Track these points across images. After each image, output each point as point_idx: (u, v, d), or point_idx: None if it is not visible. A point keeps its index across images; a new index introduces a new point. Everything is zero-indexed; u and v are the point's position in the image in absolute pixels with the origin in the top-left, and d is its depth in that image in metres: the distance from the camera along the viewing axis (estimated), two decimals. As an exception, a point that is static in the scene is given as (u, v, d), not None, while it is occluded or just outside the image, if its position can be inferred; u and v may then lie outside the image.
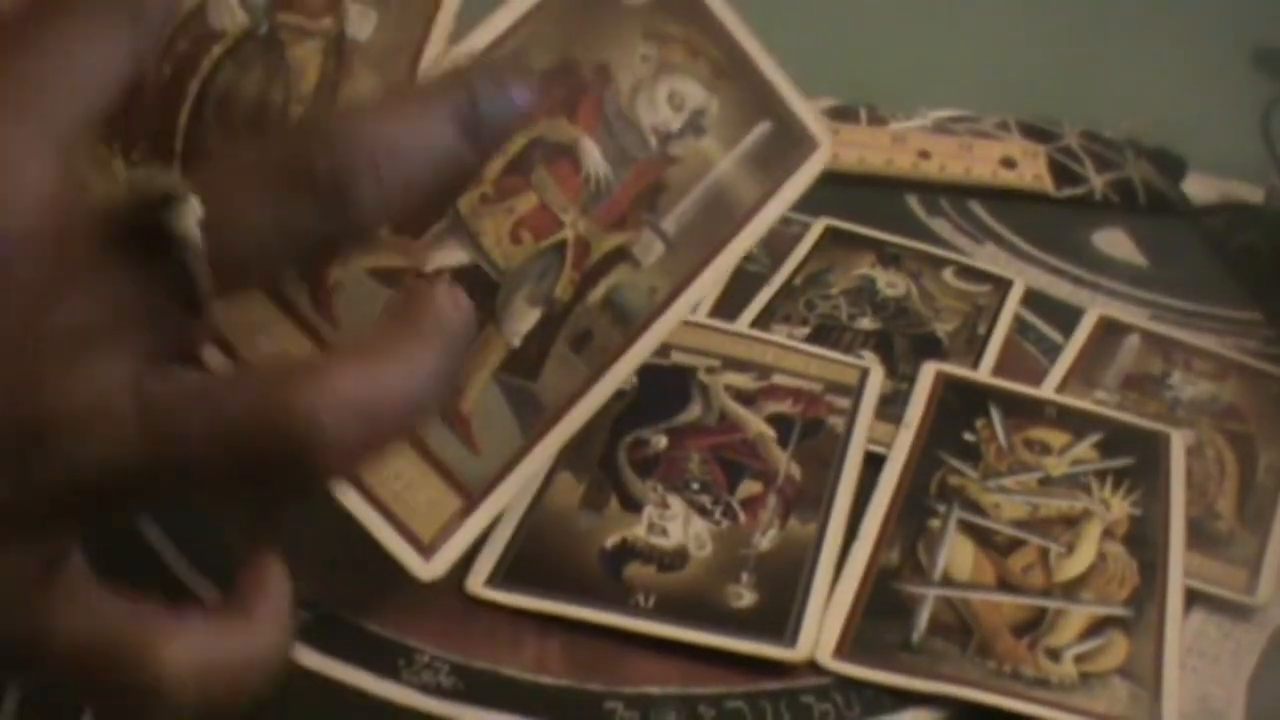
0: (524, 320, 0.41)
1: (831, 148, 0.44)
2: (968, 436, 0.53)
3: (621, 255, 0.42)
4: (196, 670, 0.27)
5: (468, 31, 0.40)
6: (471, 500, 0.40)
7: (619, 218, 0.41)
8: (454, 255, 0.40)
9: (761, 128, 0.43)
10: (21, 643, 0.27)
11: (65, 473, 0.25)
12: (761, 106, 0.43)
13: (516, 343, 0.41)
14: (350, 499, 0.38)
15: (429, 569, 0.40)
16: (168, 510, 0.34)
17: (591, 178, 0.41)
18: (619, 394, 0.46)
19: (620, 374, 0.42)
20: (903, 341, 0.59)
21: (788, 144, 0.43)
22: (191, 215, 0.26)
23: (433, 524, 0.40)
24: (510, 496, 0.41)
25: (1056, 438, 0.54)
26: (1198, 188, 0.79)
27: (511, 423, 0.41)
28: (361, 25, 0.40)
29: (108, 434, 0.25)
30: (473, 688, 0.42)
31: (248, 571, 0.30)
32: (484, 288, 0.40)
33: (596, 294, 0.41)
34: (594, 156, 0.41)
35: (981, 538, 0.49)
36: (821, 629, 0.44)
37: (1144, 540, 0.50)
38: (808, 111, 0.43)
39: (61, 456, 0.25)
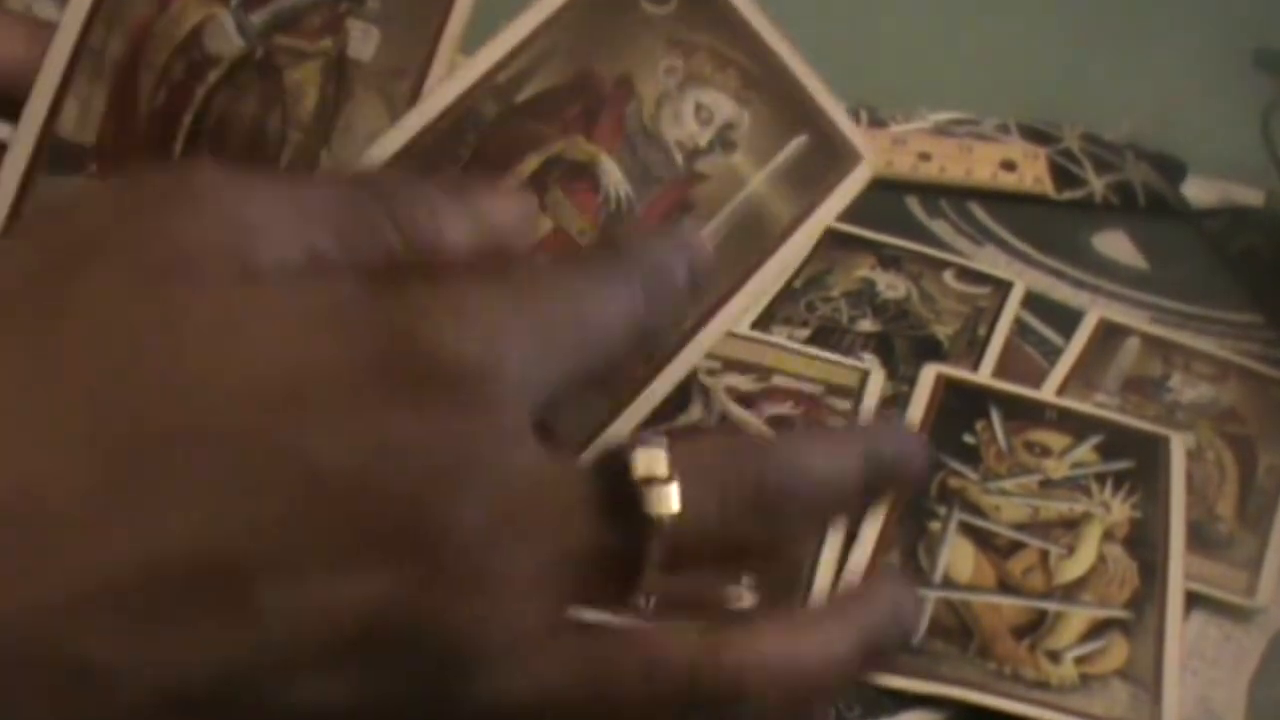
0: None
1: (875, 161, 0.41)
2: (968, 439, 0.53)
3: None
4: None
5: (479, 45, 0.39)
6: None
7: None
8: None
9: (797, 141, 0.40)
10: None
11: (488, 701, 0.26)
12: (797, 118, 0.40)
13: None
14: None
15: None
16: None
17: (611, 198, 0.39)
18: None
19: (645, 405, 0.39)
20: (903, 343, 0.59)
21: (826, 158, 0.40)
22: (669, 503, 0.27)
23: None
24: None
25: (1057, 440, 0.54)
26: (1198, 190, 0.79)
27: None
28: (364, 45, 0.39)
29: (540, 669, 0.26)
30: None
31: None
32: None
33: None
34: (614, 175, 0.39)
35: (982, 540, 0.49)
36: (822, 631, 0.44)
37: (1144, 542, 0.50)
38: (848, 122, 0.40)
39: (489, 687, 0.26)
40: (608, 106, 0.39)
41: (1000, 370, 0.59)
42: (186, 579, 0.23)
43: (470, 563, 0.25)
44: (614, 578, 0.27)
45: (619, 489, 0.27)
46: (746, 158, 0.40)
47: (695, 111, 0.40)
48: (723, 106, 0.40)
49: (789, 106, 0.40)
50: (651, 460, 0.27)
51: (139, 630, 0.23)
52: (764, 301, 0.61)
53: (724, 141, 0.40)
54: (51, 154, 0.37)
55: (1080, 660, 0.45)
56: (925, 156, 0.76)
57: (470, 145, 0.38)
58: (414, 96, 0.38)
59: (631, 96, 0.39)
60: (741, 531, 0.29)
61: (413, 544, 0.24)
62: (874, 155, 0.41)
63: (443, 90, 0.38)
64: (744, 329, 0.58)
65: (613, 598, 0.28)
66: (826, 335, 0.59)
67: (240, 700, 0.24)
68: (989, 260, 0.69)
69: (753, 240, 0.40)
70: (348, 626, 0.24)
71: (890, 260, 0.65)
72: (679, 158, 0.40)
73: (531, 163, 0.39)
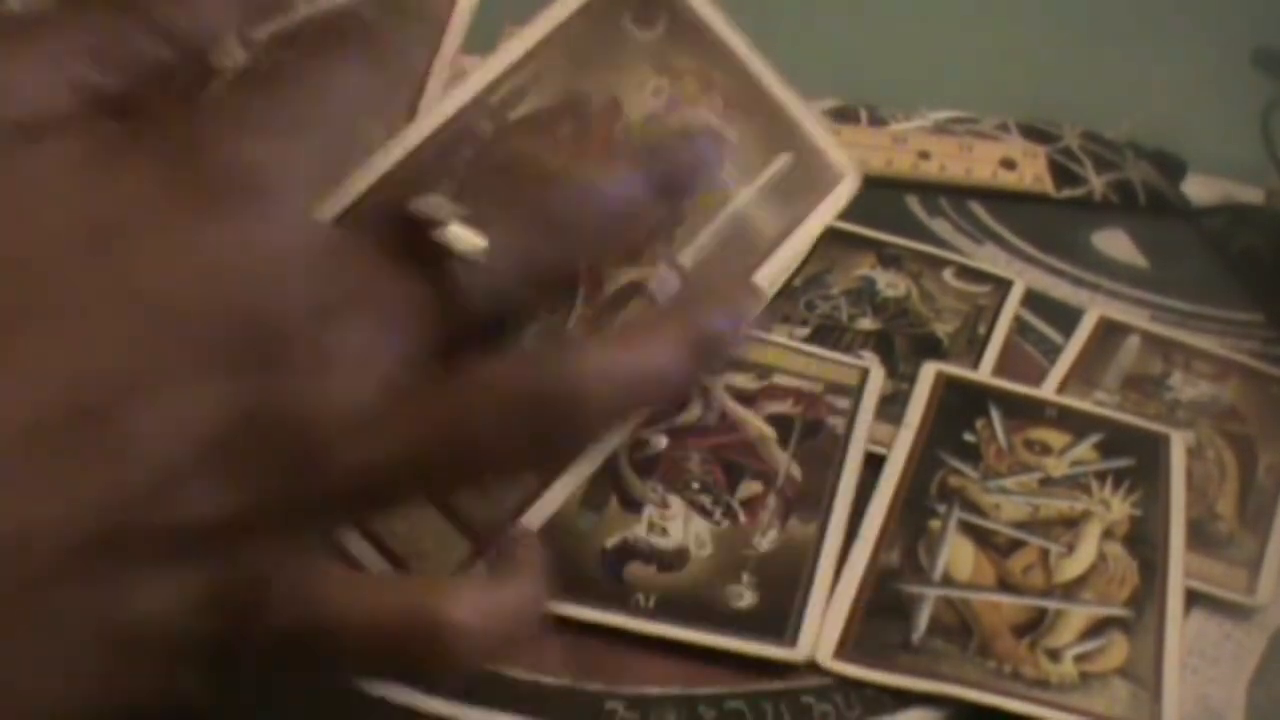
0: None
1: (857, 179, 0.42)
2: (968, 437, 0.53)
3: (636, 290, 0.40)
4: (480, 625, 0.30)
5: (473, 65, 0.39)
6: (482, 543, 0.39)
7: (633, 253, 0.40)
8: None
9: (782, 160, 0.41)
10: (316, 637, 0.29)
11: (356, 468, 0.28)
12: (781, 138, 0.41)
13: None
14: (356, 545, 0.37)
15: None
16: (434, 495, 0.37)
17: None
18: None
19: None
20: (903, 342, 0.59)
21: (810, 176, 0.41)
22: (471, 240, 0.30)
23: (442, 569, 0.38)
24: None
25: (1057, 438, 0.54)
26: (1198, 189, 0.79)
27: None
28: None
29: (396, 429, 0.28)
30: (473, 688, 0.42)
31: (508, 540, 0.35)
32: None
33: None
34: None
35: (982, 538, 0.49)
36: (822, 629, 0.44)
37: (1144, 541, 0.50)
38: (831, 142, 0.42)
39: (353, 456, 0.27)
40: (597, 126, 0.40)
41: (1000, 368, 0.59)
42: (58, 427, 0.24)
43: (305, 347, 0.27)
44: (444, 324, 0.30)
45: (420, 239, 0.29)
46: (732, 176, 0.41)
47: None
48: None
49: (772, 127, 0.41)
50: (436, 205, 0.30)
51: (33, 491, 0.24)
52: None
53: None
54: None
55: (1080, 658, 0.45)
56: (925, 155, 0.76)
57: (466, 160, 0.39)
58: (410, 111, 0.39)
59: (621, 116, 0.40)
60: (544, 254, 0.32)
61: (251, 343, 0.26)
62: (856, 171, 0.42)
63: (438, 108, 0.39)
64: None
65: (451, 343, 0.30)
66: (826, 333, 0.59)
67: (136, 530, 0.25)
68: (989, 259, 0.69)
69: (740, 252, 0.41)
70: (213, 433, 0.25)
71: (890, 259, 0.65)
72: None
73: None
